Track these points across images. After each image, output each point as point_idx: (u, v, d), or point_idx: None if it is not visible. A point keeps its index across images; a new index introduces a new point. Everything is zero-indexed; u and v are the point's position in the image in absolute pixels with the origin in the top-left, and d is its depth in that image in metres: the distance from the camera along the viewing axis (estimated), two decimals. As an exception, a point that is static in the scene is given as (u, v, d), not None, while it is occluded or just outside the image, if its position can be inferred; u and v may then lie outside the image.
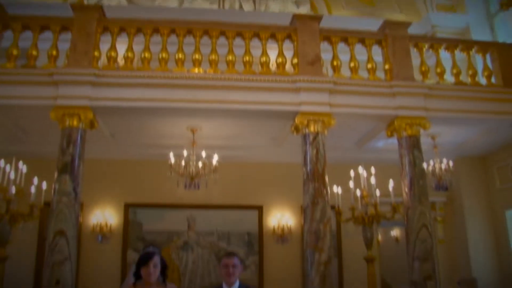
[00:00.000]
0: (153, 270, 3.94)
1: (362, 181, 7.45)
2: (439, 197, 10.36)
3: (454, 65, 8.03)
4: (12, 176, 6.92)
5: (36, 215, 7.14)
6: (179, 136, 8.41)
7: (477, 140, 9.45)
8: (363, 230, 7.44)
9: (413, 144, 7.56)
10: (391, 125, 7.73)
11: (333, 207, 7.46)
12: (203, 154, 7.92)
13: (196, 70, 7.22)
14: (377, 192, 7.38)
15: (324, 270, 6.75)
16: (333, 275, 7.17)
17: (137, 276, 4.03)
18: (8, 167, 6.95)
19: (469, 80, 8.02)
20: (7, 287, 7.04)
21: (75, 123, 6.89)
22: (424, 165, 7.89)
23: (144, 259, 3.99)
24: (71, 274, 6.49)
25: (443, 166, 8.95)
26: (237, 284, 4.08)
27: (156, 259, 4.00)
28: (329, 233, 6.98)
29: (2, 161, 6.94)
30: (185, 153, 7.90)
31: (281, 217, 9.85)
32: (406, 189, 7.48)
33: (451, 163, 9.01)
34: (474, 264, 9.88)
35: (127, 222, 9.52)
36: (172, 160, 7.87)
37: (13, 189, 6.93)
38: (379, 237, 12.90)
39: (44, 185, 7.27)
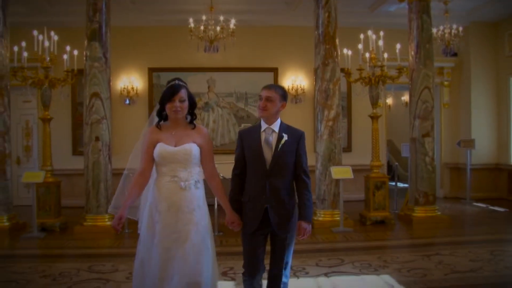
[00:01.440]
0: (180, 105, 3.20)
1: (371, 43, 7.71)
2: (447, 63, 10.70)
3: None
4: (46, 44, 7.32)
5: (71, 80, 7.75)
6: (197, 0, 8.67)
7: (491, 5, 9.40)
8: (369, 90, 7.91)
9: (423, 8, 7.74)
10: (402, -11, 7.84)
11: (343, 70, 7.88)
12: (221, 18, 8.24)
13: None
14: (385, 55, 7.68)
15: (332, 125, 7.52)
16: (343, 131, 7.80)
17: (162, 116, 3.33)
18: (40, 37, 7.30)
19: None
20: (53, 143, 7.99)
21: (98, -10, 7.23)
22: (434, 30, 8.09)
23: (169, 93, 3.21)
24: (108, 131, 7.40)
25: (452, 32, 9.07)
26: (278, 122, 3.34)
27: (183, 93, 3.23)
28: (338, 92, 7.58)
29: (35, 31, 7.31)
30: (203, 18, 8.22)
31: (295, 79, 10.39)
32: (413, 53, 7.88)
33: (460, 29, 9.13)
34: (475, 127, 10.60)
35: (152, 86, 10.25)
36: (192, 24, 8.23)
37: (48, 57, 7.43)
38: (390, 101, 13.51)
39: (76, 52, 7.68)
